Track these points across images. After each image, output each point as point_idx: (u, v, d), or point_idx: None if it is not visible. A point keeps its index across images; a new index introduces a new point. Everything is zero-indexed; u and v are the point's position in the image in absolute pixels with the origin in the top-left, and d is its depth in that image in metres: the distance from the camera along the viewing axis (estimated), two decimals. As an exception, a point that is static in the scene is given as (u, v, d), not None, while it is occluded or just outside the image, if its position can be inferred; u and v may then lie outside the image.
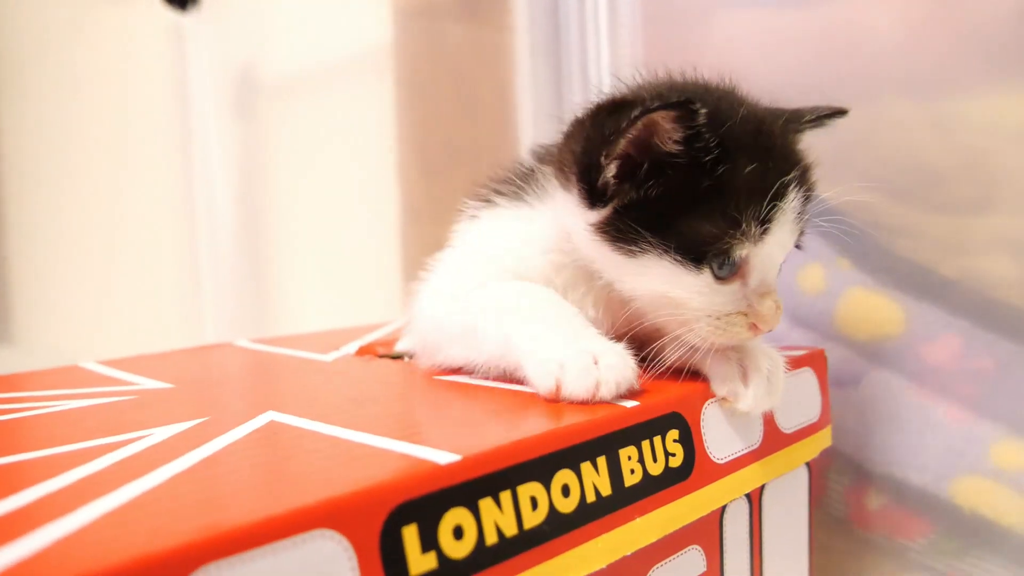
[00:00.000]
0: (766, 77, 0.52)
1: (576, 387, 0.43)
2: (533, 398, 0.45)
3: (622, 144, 0.45)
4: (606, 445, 0.40)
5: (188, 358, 0.66)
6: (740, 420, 0.49)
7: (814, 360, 0.57)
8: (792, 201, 0.47)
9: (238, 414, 0.44)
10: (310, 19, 1.20)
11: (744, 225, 0.45)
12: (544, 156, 0.56)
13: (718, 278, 0.47)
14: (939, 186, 0.62)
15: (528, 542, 0.35)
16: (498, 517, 0.34)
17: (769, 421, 0.51)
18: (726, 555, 0.50)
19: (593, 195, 0.47)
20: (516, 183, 0.56)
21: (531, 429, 0.38)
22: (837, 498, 0.68)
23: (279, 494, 0.30)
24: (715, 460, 0.47)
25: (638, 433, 0.42)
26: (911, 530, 0.64)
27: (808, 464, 0.57)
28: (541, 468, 0.37)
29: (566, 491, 0.38)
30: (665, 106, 0.42)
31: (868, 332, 0.65)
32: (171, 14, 1.36)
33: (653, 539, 0.42)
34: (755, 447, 0.50)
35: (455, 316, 0.52)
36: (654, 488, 0.42)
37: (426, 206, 0.98)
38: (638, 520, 0.41)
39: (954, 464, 0.61)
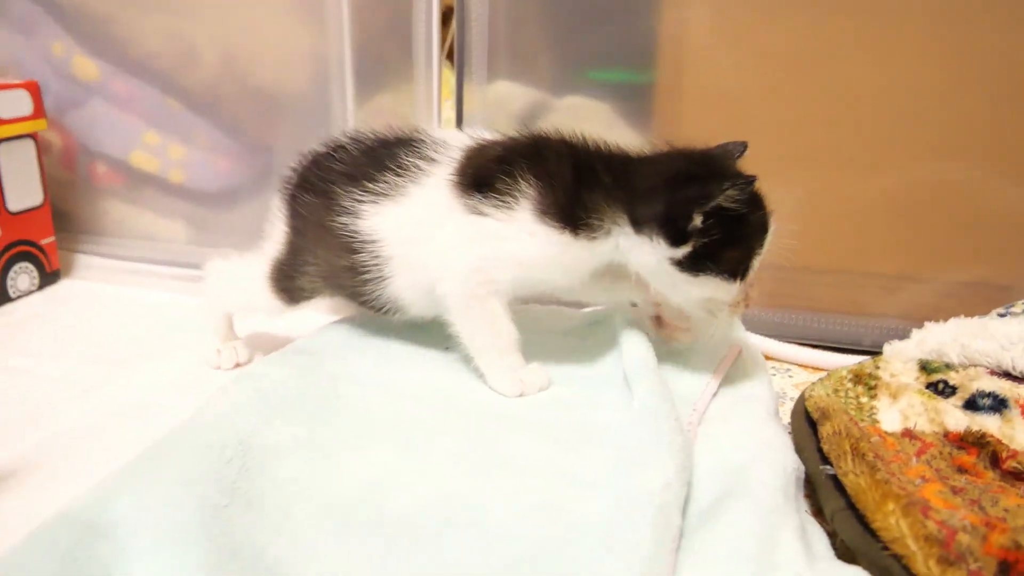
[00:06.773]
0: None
1: (510, 392, 0.73)
2: None
3: (710, 204, 0.64)
4: None
5: None
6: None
7: (29, 85, 1.12)
8: (771, 227, 0.69)
9: None
10: None
11: (758, 248, 0.68)
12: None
13: (739, 281, 0.69)
14: None
15: None
16: None
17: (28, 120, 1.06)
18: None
19: (676, 238, 0.67)
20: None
21: None
22: (85, 168, 1.27)
23: None
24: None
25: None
26: (110, 179, 1.27)
27: (32, 135, 1.13)
28: None
29: None
30: (746, 181, 0.64)
31: (83, 74, 1.23)
32: None
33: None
34: (28, 115, 1.05)
35: (478, 311, 0.73)
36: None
37: None
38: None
39: (125, 142, 1.24)
